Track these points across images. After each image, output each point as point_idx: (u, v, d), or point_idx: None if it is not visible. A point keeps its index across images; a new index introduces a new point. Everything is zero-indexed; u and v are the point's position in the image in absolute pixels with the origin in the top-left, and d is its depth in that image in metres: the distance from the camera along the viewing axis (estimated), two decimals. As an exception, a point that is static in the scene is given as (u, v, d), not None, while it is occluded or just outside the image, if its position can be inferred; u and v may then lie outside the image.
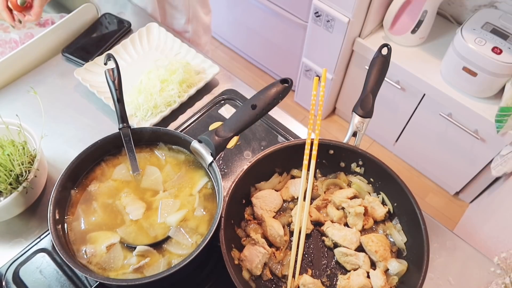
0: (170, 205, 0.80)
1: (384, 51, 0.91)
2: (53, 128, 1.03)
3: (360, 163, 0.90)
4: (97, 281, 0.76)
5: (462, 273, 0.88)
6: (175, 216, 0.78)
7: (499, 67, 1.53)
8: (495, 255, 0.90)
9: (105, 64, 0.87)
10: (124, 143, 0.84)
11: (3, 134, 0.87)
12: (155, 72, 1.08)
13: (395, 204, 0.87)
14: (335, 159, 0.91)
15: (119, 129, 0.83)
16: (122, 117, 0.84)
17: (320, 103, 0.90)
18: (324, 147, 0.88)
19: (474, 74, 1.61)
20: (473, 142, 1.78)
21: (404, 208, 0.85)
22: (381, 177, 0.88)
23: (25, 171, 0.84)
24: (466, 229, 1.87)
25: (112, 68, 0.85)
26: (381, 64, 0.91)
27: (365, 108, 0.88)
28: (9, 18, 1.07)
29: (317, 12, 1.87)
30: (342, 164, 0.92)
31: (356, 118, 0.88)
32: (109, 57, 0.87)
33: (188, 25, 1.44)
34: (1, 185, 0.82)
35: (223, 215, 0.77)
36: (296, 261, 0.81)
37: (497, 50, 1.54)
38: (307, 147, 0.86)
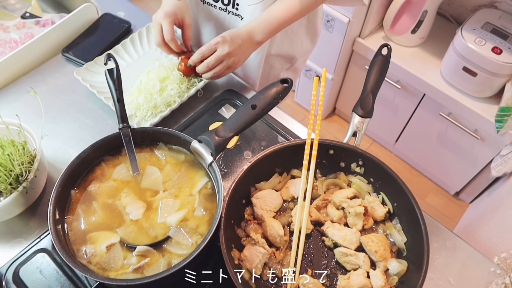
0: (170, 205, 0.80)
1: (384, 51, 0.91)
2: (53, 128, 1.03)
3: (360, 163, 0.90)
4: (97, 281, 0.76)
5: (462, 273, 0.88)
6: (175, 216, 0.78)
7: (499, 67, 1.53)
8: (495, 255, 0.90)
9: (105, 64, 0.87)
10: (124, 143, 0.84)
11: (3, 134, 0.87)
12: (155, 72, 1.08)
13: (395, 204, 0.87)
14: (335, 159, 0.91)
15: (119, 129, 0.83)
16: (122, 117, 0.84)
17: (320, 103, 0.90)
18: (324, 147, 0.88)
19: (474, 74, 1.61)
20: (473, 142, 1.78)
21: (404, 208, 0.85)
22: (381, 177, 0.88)
23: (25, 171, 0.84)
24: (466, 229, 1.87)
25: (112, 68, 0.85)
26: (381, 64, 0.91)
27: (365, 108, 0.88)
28: (169, 51, 1.04)
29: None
30: (342, 164, 0.92)
31: (356, 118, 0.88)
32: (109, 57, 0.87)
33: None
34: (1, 185, 0.82)
35: (223, 215, 0.76)
36: (296, 261, 0.81)
37: (497, 50, 1.54)
38: (307, 147, 0.86)
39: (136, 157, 0.84)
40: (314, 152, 0.86)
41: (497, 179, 1.86)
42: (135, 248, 0.75)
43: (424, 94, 1.83)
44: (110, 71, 0.85)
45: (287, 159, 0.90)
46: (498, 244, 1.32)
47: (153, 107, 1.03)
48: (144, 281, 0.69)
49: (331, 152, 0.90)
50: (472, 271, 0.88)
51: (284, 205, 0.90)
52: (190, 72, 1.05)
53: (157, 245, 0.76)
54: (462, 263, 0.89)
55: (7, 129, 0.87)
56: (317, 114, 0.89)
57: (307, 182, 0.86)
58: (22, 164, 0.83)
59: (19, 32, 1.19)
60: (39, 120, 0.91)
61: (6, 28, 1.19)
